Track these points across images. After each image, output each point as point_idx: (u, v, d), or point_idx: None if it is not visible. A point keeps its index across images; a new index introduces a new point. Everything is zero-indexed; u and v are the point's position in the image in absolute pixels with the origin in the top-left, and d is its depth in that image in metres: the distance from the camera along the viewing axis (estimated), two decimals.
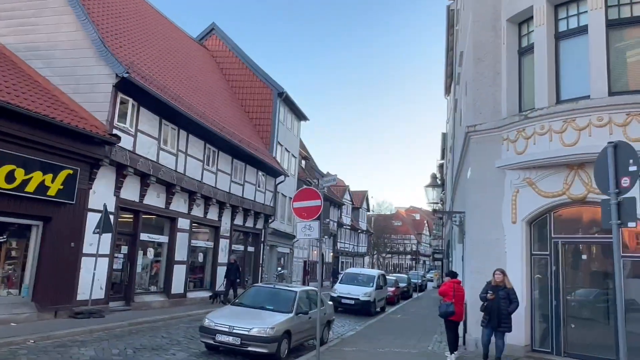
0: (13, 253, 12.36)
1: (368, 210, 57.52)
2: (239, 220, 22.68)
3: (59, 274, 12.60)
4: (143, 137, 15.51)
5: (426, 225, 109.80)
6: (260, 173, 24.48)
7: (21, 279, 12.21)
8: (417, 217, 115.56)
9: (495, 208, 10.53)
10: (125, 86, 14.24)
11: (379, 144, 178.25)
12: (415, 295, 34.25)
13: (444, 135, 36.48)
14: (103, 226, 13.36)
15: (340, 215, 44.64)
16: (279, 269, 29.73)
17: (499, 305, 9.11)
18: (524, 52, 10.76)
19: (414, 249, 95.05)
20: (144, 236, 16.36)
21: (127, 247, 15.67)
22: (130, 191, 15.35)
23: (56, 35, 14.78)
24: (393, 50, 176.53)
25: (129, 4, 19.70)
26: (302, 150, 39.52)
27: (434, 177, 12.64)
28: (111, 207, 14.37)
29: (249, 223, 23.80)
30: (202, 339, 9.88)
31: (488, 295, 9.16)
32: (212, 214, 20.39)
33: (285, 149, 28.74)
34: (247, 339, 9.26)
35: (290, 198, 28.95)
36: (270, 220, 25.65)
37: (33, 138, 11.53)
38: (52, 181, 12.10)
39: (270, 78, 27.41)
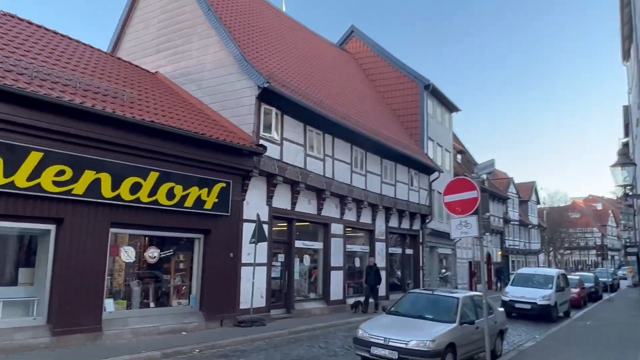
0: (181, 265, 13.15)
1: (538, 203, 52.03)
2: (393, 222, 21.81)
3: (222, 284, 13.05)
4: (289, 145, 15.56)
5: (611, 215, 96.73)
6: (412, 171, 23.33)
7: (189, 290, 12.91)
8: (599, 207, 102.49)
9: None
10: (267, 96, 14.40)
11: (544, 130, 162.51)
12: (605, 296, 29.62)
13: (626, 108, 31.14)
14: (258, 236, 13.56)
15: (507, 210, 40.98)
16: (443, 270, 28.10)
17: None
18: None
19: (597, 243, 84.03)
20: (298, 243, 16.41)
21: (283, 255, 15.83)
22: (282, 199, 15.48)
23: (204, 57, 15.65)
24: (549, 24, 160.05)
25: (268, 17, 20.29)
26: (456, 143, 37.23)
27: (623, 153, 10.18)
28: (265, 217, 14.59)
29: (405, 224, 22.77)
30: (357, 352, 9.17)
31: None
32: (365, 217, 19.84)
33: (437, 143, 27.09)
34: (405, 352, 8.29)
35: None
36: (427, 220, 24.29)
37: (187, 155, 12.11)
38: (208, 195, 12.59)
39: (415, 71, 26.14)
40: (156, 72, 16.46)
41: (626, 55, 28.58)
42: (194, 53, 15.96)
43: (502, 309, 11.44)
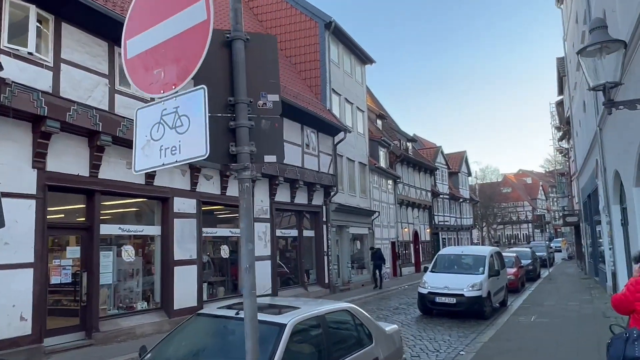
0: None
1: (469, 174, 48.53)
2: (283, 196, 16.50)
3: None
4: (76, 73, 9.78)
5: (541, 189, 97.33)
6: (307, 130, 18.06)
7: None
8: (529, 181, 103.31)
9: None
10: None
11: (473, 100, 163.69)
12: (544, 273, 26.03)
13: (561, 60, 27.51)
14: None
15: (435, 182, 36.89)
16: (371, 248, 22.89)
17: None
18: None
19: (529, 217, 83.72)
20: (109, 228, 10.72)
21: (78, 248, 10.10)
22: (71, 160, 9.73)
23: None
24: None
25: None
26: (376, 106, 32.55)
27: (599, 24, 5.28)
28: (28, 187, 8.88)
29: (301, 199, 17.52)
30: None
31: None
32: (236, 189, 14.30)
33: (346, 99, 22.02)
34: None
35: (360, 163, 22.30)
36: (332, 193, 19.19)
37: None
38: None
39: (314, 7, 20.79)
40: None
41: None
42: None
43: (394, 327, 6.38)
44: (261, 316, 4.66)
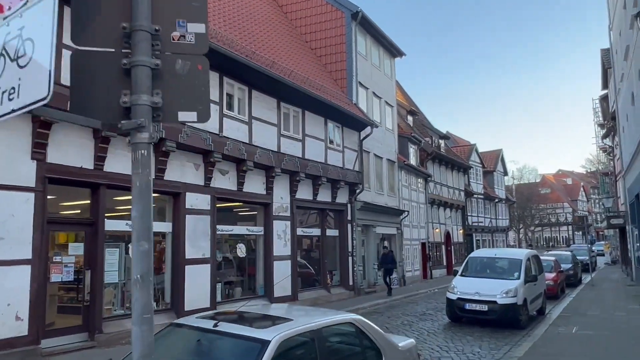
0: None
1: (505, 173, 46.53)
2: (304, 193, 15.75)
3: None
4: None
5: (582, 190, 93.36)
6: (331, 124, 17.22)
7: None
8: (569, 181, 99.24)
9: None
10: None
11: (511, 98, 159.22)
12: (585, 277, 24.39)
13: (607, 52, 25.78)
14: None
15: (469, 181, 35.40)
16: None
17: None
18: None
19: (568, 219, 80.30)
20: (115, 224, 10.18)
21: (82, 244, 9.59)
22: (73, 151, 9.25)
23: None
24: None
25: None
26: (407, 102, 31.42)
27: None
28: (27, 178, 8.41)
29: (324, 196, 16.72)
30: None
31: None
32: (254, 185, 13.72)
33: (373, 93, 21.09)
34: None
35: (389, 160, 21.37)
36: (357, 191, 18.30)
37: None
38: None
39: None
40: None
41: None
42: None
43: (410, 341, 5.47)
44: (243, 330, 3.94)
